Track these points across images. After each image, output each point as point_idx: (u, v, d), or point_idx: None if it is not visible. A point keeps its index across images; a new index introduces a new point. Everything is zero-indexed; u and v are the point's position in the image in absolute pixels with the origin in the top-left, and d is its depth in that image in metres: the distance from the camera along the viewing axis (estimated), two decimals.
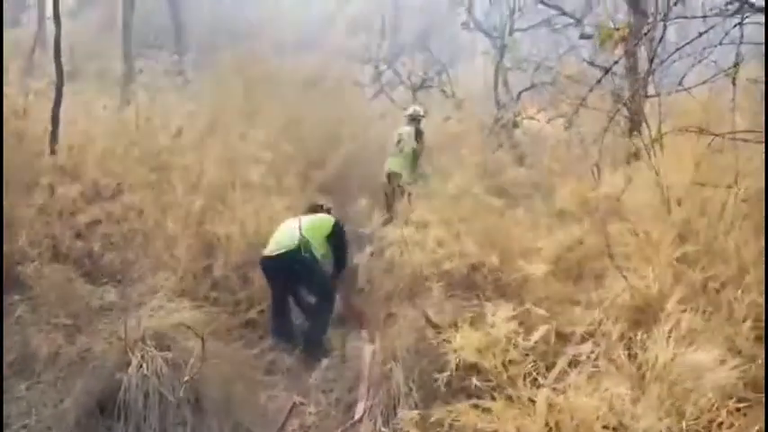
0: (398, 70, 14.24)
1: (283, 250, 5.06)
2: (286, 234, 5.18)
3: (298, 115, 9.25)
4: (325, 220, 5.45)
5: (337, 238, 5.46)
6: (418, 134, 8.53)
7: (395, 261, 5.61)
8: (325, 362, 4.97)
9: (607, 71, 5.65)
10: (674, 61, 7.48)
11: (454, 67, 13.66)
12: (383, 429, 3.85)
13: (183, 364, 3.91)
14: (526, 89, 13.12)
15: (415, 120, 8.70)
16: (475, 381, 3.22)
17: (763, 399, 2.29)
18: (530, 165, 8.24)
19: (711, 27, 4.09)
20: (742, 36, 4.02)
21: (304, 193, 6.76)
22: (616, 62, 5.93)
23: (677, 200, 3.07)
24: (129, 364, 3.86)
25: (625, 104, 6.68)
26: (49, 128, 6.30)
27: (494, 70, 13.02)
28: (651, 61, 6.39)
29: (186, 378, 3.80)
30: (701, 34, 4.08)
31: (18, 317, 4.64)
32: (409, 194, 6.98)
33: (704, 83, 4.10)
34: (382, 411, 3.91)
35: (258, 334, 5.12)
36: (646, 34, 6.46)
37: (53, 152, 6.19)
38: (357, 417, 3.99)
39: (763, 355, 2.37)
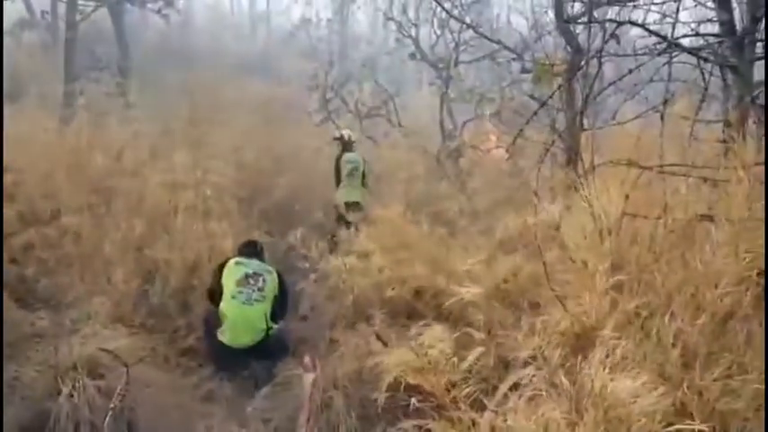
0: (345, 98, 14.35)
1: (250, 343, 5.03)
2: (251, 322, 5.08)
3: (242, 141, 9.22)
4: (272, 282, 5.29)
5: (282, 293, 5.37)
6: (365, 162, 8.45)
7: (338, 288, 5.63)
8: (264, 390, 4.91)
9: (542, 104, 5.84)
10: (609, 96, 7.77)
11: (400, 96, 13.85)
12: None
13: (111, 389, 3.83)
14: (470, 120, 13.44)
15: (351, 143, 8.58)
16: (414, 402, 3.25)
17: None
18: (471, 194, 8.35)
19: (641, 65, 4.29)
20: (670, 74, 4.23)
21: (247, 221, 6.69)
22: (550, 96, 6.13)
23: (609, 230, 3.18)
24: (59, 392, 3.76)
25: (560, 137, 6.90)
26: None
27: (439, 101, 13.27)
28: (586, 97, 6.64)
29: (112, 405, 3.70)
30: (630, 71, 4.26)
31: None
32: (356, 224, 7.01)
33: (636, 118, 4.27)
34: None
35: (197, 362, 5.01)
36: (579, 69, 6.69)
37: None
38: None
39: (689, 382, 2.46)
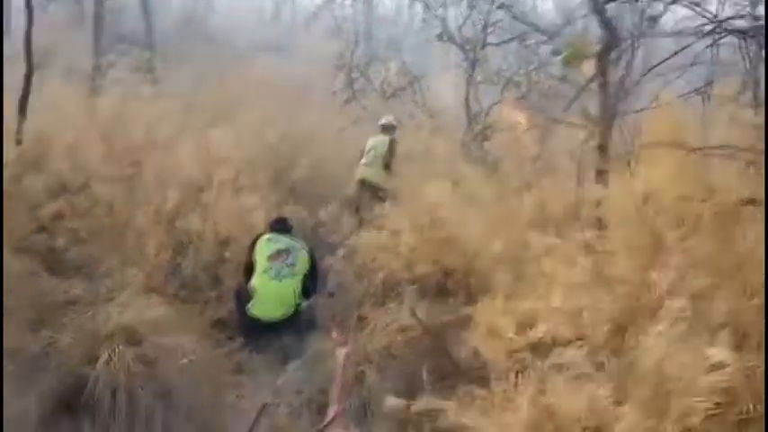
0: (370, 78, 14.27)
1: (279, 317, 5.12)
2: (280, 296, 5.15)
3: (268, 119, 9.20)
4: (302, 258, 5.36)
5: (313, 269, 5.46)
6: (391, 144, 8.54)
7: (366, 265, 5.63)
8: (294, 363, 4.95)
9: (582, 88, 5.76)
10: (646, 80, 7.65)
11: (426, 77, 13.75)
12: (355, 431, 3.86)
13: (154, 361, 3.86)
14: (496, 103, 13.33)
15: (387, 129, 8.77)
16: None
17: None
18: (501, 176, 8.31)
19: (687, 46, 4.22)
20: (715, 55, 4.16)
21: (276, 196, 6.68)
22: (590, 80, 6.05)
23: (655, 211, 3.14)
24: (97, 359, 3.80)
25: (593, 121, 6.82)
26: (16, 118, 6.16)
27: (465, 83, 13.16)
28: (622, 79, 6.58)
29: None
30: (676, 53, 4.19)
31: None
32: (383, 200, 7.04)
33: (683, 96, 4.21)
34: (355, 414, 3.91)
35: (226, 334, 5.04)
36: (614, 48, 6.62)
37: (19, 143, 6.05)
38: (329, 418, 3.96)
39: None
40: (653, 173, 3.21)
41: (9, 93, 6.62)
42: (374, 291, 5.22)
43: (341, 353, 4.41)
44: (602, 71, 7.14)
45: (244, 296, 5.15)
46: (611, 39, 7.15)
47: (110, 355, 3.78)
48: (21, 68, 6.53)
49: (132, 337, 3.96)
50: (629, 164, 3.20)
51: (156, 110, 8.04)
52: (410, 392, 3.86)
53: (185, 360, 4.00)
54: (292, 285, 5.19)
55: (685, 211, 3.13)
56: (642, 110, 4.63)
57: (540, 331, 3.11)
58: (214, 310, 5.21)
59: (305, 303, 5.26)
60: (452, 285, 4.81)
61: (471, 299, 4.44)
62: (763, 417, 2.36)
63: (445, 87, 14.24)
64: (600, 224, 3.81)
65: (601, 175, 6.34)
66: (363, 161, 8.21)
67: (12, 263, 4.72)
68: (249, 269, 5.30)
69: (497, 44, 13.18)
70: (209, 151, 6.66)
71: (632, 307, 2.90)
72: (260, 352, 4.96)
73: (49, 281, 4.81)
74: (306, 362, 4.89)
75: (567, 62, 7.12)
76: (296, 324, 5.17)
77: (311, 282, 5.43)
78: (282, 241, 5.36)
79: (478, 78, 13.03)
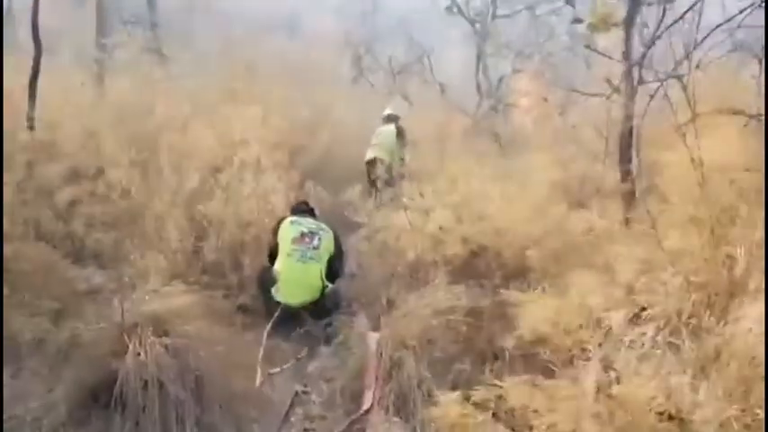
0: (377, 55, 14.02)
1: (305, 301, 4.99)
2: (306, 280, 5.02)
3: (278, 99, 8.97)
4: (327, 241, 5.21)
5: (338, 252, 5.32)
6: (399, 131, 8.75)
7: (390, 245, 5.47)
8: (323, 350, 4.81)
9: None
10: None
11: (435, 52, 13.47)
12: (395, 419, 3.71)
13: (184, 351, 3.70)
14: (506, 76, 13.08)
15: (392, 119, 8.95)
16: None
17: None
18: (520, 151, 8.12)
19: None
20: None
21: (295, 176, 6.49)
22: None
23: (716, 182, 2.96)
24: (125, 350, 3.64)
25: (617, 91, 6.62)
26: (26, 102, 5.96)
27: (475, 56, 12.90)
28: (650, 45, 6.37)
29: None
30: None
31: None
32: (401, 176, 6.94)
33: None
34: (394, 401, 3.76)
35: (251, 319, 4.88)
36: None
37: (32, 128, 5.86)
38: (366, 406, 3.80)
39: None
40: (710, 142, 3.01)
41: (13, 75, 6.45)
42: (402, 272, 5.04)
43: (372, 338, 4.26)
44: (625, 38, 6.95)
45: (267, 280, 5.01)
46: (635, 4, 6.95)
47: (139, 347, 3.61)
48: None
49: (160, 327, 3.79)
50: (682, 133, 3.00)
51: (167, 90, 7.84)
52: (453, 381, 3.72)
53: (217, 349, 3.84)
54: (318, 268, 5.05)
55: (749, 182, 2.94)
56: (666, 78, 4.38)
57: (602, 312, 2.93)
58: (237, 295, 5.03)
59: (330, 287, 5.09)
60: (485, 266, 4.63)
61: (508, 281, 4.27)
62: None
63: (455, 62, 14.01)
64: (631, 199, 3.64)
65: (627, 148, 6.17)
66: (372, 145, 8.47)
67: (28, 251, 4.58)
68: (273, 253, 5.16)
69: (507, 16, 12.96)
70: (224, 132, 6.46)
71: (707, 285, 2.73)
72: (286, 338, 4.82)
73: (69, 269, 4.66)
74: (335, 348, 4.77)
75: (593, 29, 6.92)
76: (321, 308, 5.01)
77: (337, 264, 5.27)
78: (306, 224, 5.21)
79: (489, 51, 12.83)
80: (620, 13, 6.81)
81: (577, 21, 7.38)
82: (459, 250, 4.64)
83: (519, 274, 4.31)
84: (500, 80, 12.94)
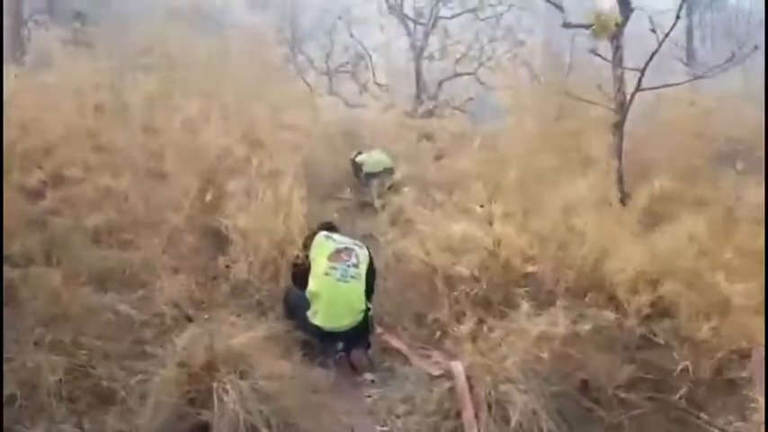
0: (310, 54, 13.50)
1: (348, 325, 4.39)
2: (348, 301, 4.44)
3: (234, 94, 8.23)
4: (364, 257, 4.65)
5: (372, 269, 4.72)
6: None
7: (425, 262, 5.04)
8: (368, 377, 4.30)
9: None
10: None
11: (375, 52, 13.10)
12: None
13: (275, 395, 3.13)
14: (448, 78, 12.98)
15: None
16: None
17: None
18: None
19: None
20: None
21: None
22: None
23: None
24: (208, 396, 3.03)
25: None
26: None
27: (414, 58, 12.70)
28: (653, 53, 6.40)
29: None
30: None
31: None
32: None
33: None
34: None
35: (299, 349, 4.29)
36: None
37: None
38: None
39: None
40: None
41: None
42: (457, 295, 4.59)
43: (458, 368, 3.80)
44: (615, 44, 6.93)
45: (299, 303, 4.43)
46: (626, 10, 6.93)
47: (223, 392, 3.01)
48: None
49: (236, 366, 3.20)
50: None
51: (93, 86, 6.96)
52: (574, 420, 3.36)
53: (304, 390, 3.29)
54: (360, 288, 4.49)
55: None
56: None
57: None
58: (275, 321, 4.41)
59: (371, 308, 4.58)
60: (563, 287, 4.27)
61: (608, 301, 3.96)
62: None
63: (395, 62, 13.70)
64: None
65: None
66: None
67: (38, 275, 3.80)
68: (300, 271, 4.58)
69: (450, 18, 12.82)
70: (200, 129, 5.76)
71: None
72: (325, 367, 4.25)
73: (83, 296, 3.86)
74: (387, 376, 4.29)
75: (596, 34, 6.85)
76: (363, 333, 4.48)
77: (371, 283, 4.73)
78: (340, 239, 4.66)
79: (435, 55, 12.68)
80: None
81: (567, 26, 7.24)
82: (535, 268, 4.25)
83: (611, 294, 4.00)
84: (440, 83, 12.84)
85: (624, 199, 5.68)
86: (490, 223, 4.46)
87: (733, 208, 4.45)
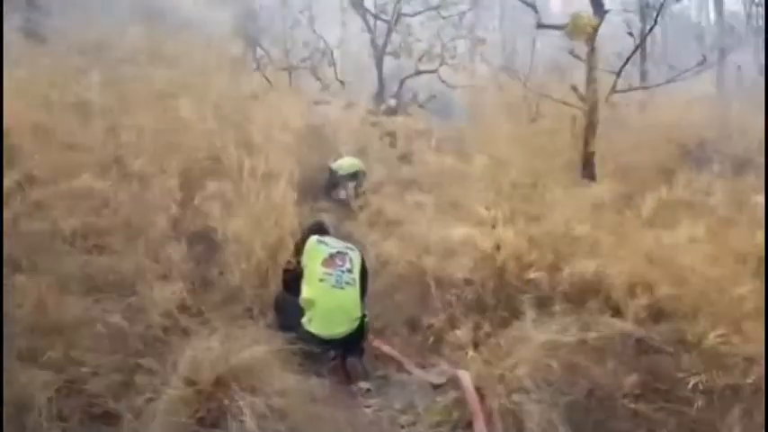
0: (268, 49, 13.21)
1: (344, 333, 4.22)
2: (344, 308, 4.27)
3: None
4: (357, 261, 4.49)
5: (364, 273, 4.56)
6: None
7: (415, 265, 4.94)
8: (363, 387, 4.16)
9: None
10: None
11: (336, 48, 12.87)
12: None
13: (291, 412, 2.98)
14: (409, 76, 12.90)
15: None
16: None
17: None
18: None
19: None
20: None
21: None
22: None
23: None
24: (220, 414, 2.86)
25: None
26: None
27: (376, 55, 12.58)
28: (636, 51, 6.46)
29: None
30: None
31: None
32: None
33: None
34: None
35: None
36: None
37: None
38: None
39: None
40: None
41: None
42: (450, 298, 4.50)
43: (465, 377, 3.71)
44: (589, 45, 6.98)
45: (292, 310, 4.27)
46: (600, 11, 7.00)
47: (237, 408, 2.85)
48: None
49: (245, 381, 3.04)
50: None
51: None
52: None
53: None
54: (356, 294, 4.35)
55: None
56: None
57: None
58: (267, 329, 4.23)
59: (367, 317, 4.44)
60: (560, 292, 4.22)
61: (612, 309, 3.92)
62: None
63: (356, 59, 13.53)
64: None
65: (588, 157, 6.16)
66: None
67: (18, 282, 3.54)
68: (293, 277, 4.40)
69: (412, 15, 12.74)
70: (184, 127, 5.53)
71: None
72: (321, 375, 4.10)
73: (71, 303, 3.61)
74: (381, 384, 4.17)
75: (571, 36, 6.89)
76: (358, 341, 4.34)
77: (364, 286, 4.60)
78: (333, 243, 4.49)
79: (391, 50, 12.57)
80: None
81: (542, 26, 7.26)
82: (538, 272, 4.18)
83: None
84: (402, 81, 12.76)
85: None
86: (493, 226, 4.36)
87: (725, 211, 4.49)
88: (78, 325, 3.44)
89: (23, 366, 3.17)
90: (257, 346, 3.32)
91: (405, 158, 9.87)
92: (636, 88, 6.18)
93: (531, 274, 4.17)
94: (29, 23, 9.36)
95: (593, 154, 6.59)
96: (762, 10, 10.30)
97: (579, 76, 6.90)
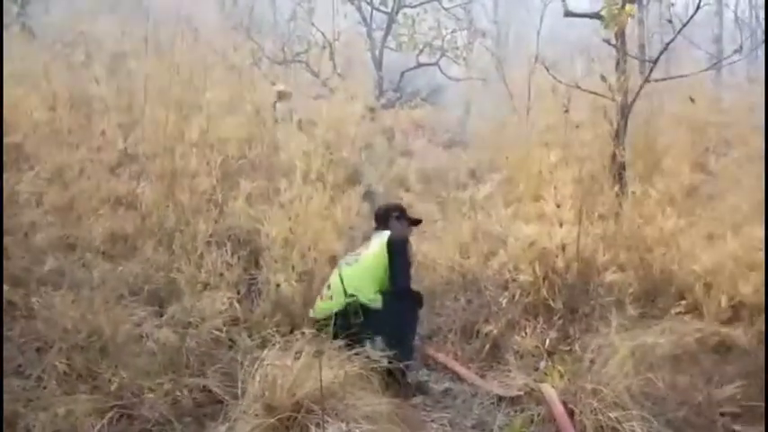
0: (263, 43, 12.75)
1: (328, 309, 3.77)
2: (334, 285, 3.86)
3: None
4: (378, 240, 4.04)
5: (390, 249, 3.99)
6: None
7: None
8: (417, 399, 3.80)
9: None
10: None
11: (335, 41, 12.43)
12: None
13: None
14: (409, 69, 12.54)
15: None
16: None
17: None
18: None
19: None
20: None
21: None
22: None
23: None
24: None
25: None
26: None
27: (373, 48, 12.22)
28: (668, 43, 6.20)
29: None
30: None
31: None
32: None
33: None
34: None
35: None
36: None
37: None
38: None
39: None
40: None
41: None
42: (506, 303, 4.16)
43: (550, 392, 3.38)
44: (618, 34, 6.68)
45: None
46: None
47: None
48: None
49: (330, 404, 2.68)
50: None
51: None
52: None
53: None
54: (352, 271, 3.92)
55: None
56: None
57: None
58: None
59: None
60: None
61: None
62: None
63: (356, 53, 13.11)
64: None
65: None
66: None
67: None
68: None
69: (413, 7, 12.36)
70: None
71: None
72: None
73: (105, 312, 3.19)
74: (444, 396, 3.82)
75: (606, 25, 6.60)
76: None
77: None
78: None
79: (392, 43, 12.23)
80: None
81: (570, 14, 6.95)
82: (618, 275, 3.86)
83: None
84: (402, 74, 12.40)
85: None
86: (561, 224, 4.01)
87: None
88: (126, 341, 3.05)
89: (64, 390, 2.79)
90: (332, 362, 2.96)
91: (406, 153, 9.61)
92: (673, 77, 5.89)
93: (608, 277, 3.83)
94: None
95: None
96: None
97: (608, 65, 6.56)
